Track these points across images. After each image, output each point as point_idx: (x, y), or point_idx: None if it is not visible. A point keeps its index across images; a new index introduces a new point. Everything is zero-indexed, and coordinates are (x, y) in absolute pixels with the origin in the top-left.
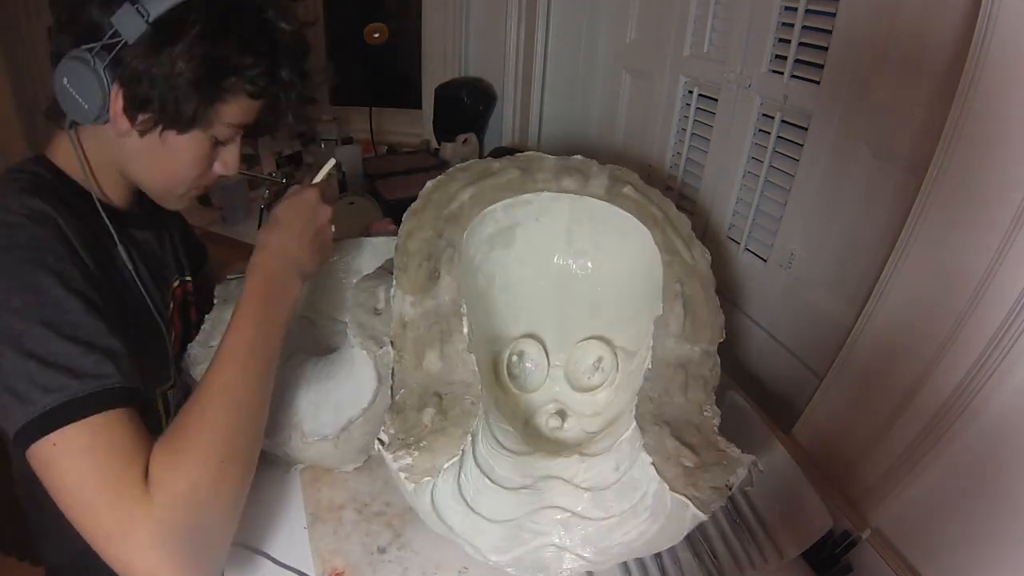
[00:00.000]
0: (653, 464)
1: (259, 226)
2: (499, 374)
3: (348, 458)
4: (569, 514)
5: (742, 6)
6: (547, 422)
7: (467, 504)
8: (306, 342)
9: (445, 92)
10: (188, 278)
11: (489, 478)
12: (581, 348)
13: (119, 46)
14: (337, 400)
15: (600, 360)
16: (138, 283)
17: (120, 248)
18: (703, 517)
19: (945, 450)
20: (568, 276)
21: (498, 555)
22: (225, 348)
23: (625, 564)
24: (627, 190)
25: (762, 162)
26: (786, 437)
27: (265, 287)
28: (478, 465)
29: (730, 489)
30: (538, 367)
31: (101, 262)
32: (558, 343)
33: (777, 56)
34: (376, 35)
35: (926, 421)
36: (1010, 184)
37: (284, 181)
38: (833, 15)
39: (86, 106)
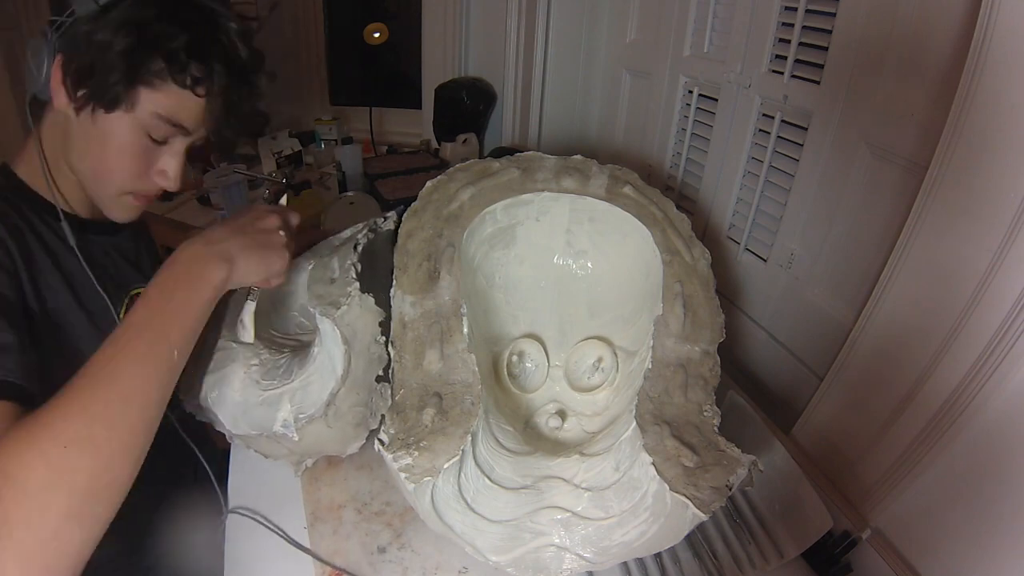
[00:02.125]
0: (653, 464)
1: None
2: (499, 374)
3: (347, 436)
4: (569, 514)
5: (742, 6)
6: (547, 422)
7: (467, 504)
8: None
9: (445, 92)
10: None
11: (489, 478)
12: (581, 348)
13: (71, 21)
14: (316, 379)
15: (600, 360)
16: (94, 284)
17: (73, 245)
18: (703, 517)
19: (945, 450)
20: (568, 276)
21: (498, 555)
22: (115, 330)
23: (625, 564)
24: (627, 190)
25: (762, 162)
26: (786, 437)
27: (171, 267)
28: (478, 465)
29: (730, 489)
30: (538, 367)
31: (38, 268)
32: (558, 343)
33: (777, 56)
34: (376, 35)
35: (926, 421)
36: (1010, 184)
37: (284, 181)
38: (833, 15)
39: (37, 75)
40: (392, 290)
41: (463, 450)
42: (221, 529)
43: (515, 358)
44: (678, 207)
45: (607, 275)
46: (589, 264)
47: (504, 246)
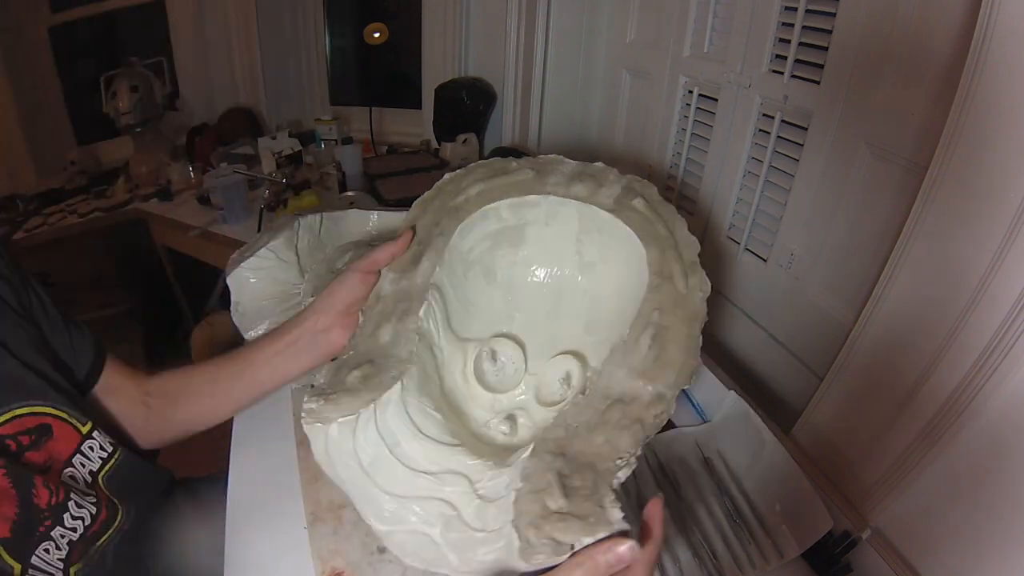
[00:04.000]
0: (516, 491)
1: (259, 227)
2: (478, 369)
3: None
4: (456, 514)
5: (742, 6)
6: (497, 425)
7: (361, 466)
8: None
9: (445, 92)
10: (19, 409)
11: (391, 452)
12: (556, 361)
13: None
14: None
15: (568, 376)
16: None
17: None
18: (521, 566)
19: (945, 450)
20: (572, 288)
21: (380, 524)
22: None
23: None
24: (637, 203)
25: (762, 162)
26: (786, 437)
27: None
28: (380, 435)
29: (572, 549)
30: (516, 371)
31: None
32: (540, 352)
33: (777, 56)
34: (376, 35)
35: (926, 421)
36: (1010, 184)
37: (284, 181)
38: (833, 15)
39: None
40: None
41: (359, 413)
42: (221, 527)
43: (486, 353)
44: (678, 207)
45: (611, 292)
46: (595, 278)
47: (511, 244)
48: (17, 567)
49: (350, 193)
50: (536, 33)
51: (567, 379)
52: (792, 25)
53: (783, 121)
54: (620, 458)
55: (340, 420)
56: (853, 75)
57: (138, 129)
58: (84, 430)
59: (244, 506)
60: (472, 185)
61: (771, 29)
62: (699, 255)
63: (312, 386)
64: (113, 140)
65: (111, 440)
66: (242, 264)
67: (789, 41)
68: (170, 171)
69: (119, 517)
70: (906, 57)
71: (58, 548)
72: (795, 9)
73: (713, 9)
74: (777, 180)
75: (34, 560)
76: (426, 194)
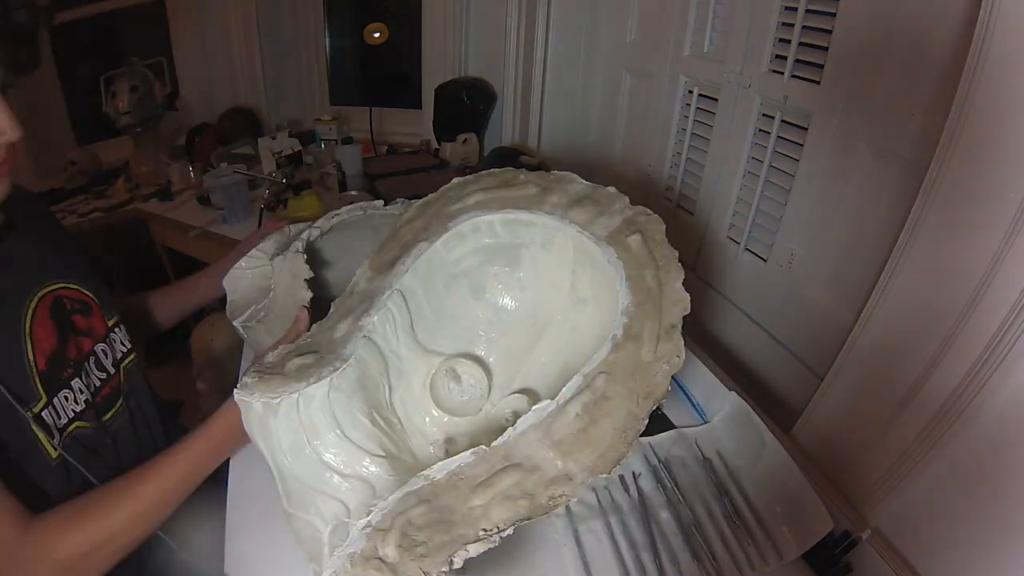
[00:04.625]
0: (365, 529)
1: (259, 227)
2: (434, 385)
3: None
4: (347, 521)
5: (742, 6)
6: (434, 450)
7: (280, 447)
8: None
9: (445, 92)
10: (73, 285)
11: (309, 442)
12: (513, 398)
13: None
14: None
15: (515, 414)
16: None
17: None
18: None
19: (945, 450)
20: (560, 321)
21: (287, 504)
22: (166, 468)
23: (624, 566)
24: (632, 240)
25: (762, 162)
26: (786, 437)
27: (221, 443)
28: (302, 425)
29: None
30: (480, 396)
31: None
32: (507, 382)
33: (777, 56)
34: (376, 35)
35: (926, 421)
36: (1010, 184)
37: (284, 181)
38: (833, 15)
39: None
40: (366, 261)
41: (283, 400)
42: (221, 526)
43: (447, 372)
44: (678, 207)
45: (596, 336)
46: (585, 317)
47: (506, 263)
48: (44, 399)
49: (350, 193)
50: (536, 33)
51: (512, 417)
52: (792, 25)
53: (783, 121)
54: (485, 530)
55: (263, 400)
56: (853, 75)
57: (138, 129)
58: (111, 323)
59: (244, 506)
60: (473, 194)
61: (771, 29)
62: (684, 317)
63: (260, 359)
64: (113, 140)
65: (130, 340)
66: (237, 264)
67: (789, 41)
68: (170, 171)
69: (119, 402)
70: (906, 57)
71: (75, 402)
72: (795, 9)
73: (713, 9)
74: (777, 180)
75: (55, 401)
76: (429, 196)
